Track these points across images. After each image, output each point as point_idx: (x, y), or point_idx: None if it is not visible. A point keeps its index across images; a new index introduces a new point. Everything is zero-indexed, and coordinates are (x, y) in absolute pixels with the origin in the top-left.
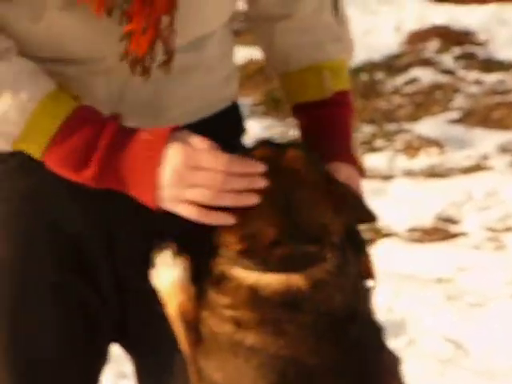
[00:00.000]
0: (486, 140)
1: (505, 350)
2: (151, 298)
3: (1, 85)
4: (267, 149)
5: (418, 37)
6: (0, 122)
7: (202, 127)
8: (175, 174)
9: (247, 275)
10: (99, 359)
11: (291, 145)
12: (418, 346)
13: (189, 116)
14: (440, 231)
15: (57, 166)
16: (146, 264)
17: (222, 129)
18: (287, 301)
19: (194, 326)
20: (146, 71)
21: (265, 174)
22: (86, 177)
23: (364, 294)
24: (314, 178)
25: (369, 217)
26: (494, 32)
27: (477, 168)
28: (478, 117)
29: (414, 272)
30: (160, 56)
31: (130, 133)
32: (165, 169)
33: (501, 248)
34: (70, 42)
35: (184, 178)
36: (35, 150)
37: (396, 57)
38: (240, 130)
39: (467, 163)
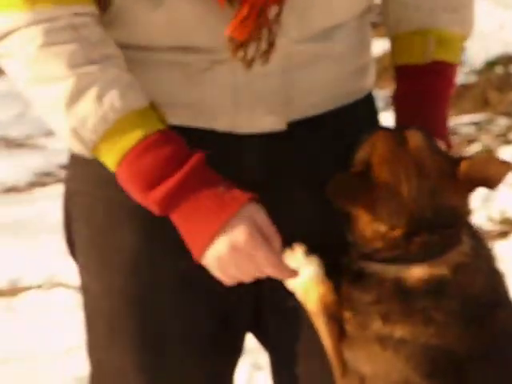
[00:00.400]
0: None
1: None
2: (286, 290)
3: (88, 89)
4: (387, 134)
5: None
6: (79, 126)
7: (334, 118)
8: (229, 251)
9: (388, 269)
10: (232, 349)
11: (408, 129)
12: None
13: (318, 106)
14: None
15: (126, 182)
16: None
17: (355, 120)
18: (432, 288)
19: (336, 318)
20: (247, 60)
21: (392, 164)
22: (152, 198)
23: (501, 276)
24: (440, 165)
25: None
26: None
27: None
28: None
29: None
30: (264, 46)
31: (210, 175)
32: (222, 239)
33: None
34: (190, 30)
35: (234, 259)
36: (109, 162)
37: None
38: (374, 122)
39: None
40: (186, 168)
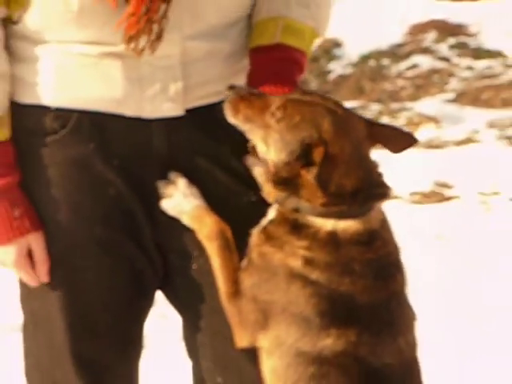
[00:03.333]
0: (476, 117)
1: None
2: (189, 256)
3: None
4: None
5: (419, 29)
6: None
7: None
8: (2, 262)
9: (326, 223)
10: (145, 303)
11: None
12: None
13: (211, 97)
14: (437, 195)
15: None
16: (185, 228)
17: None
18: (363, 239)
19: (230, 246)
20: (138, 50)
21: (333, 124)
22: None
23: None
24: (362, 131)
25: (413, 140)
26: (483, 25)
27: (468, 141)
28: (469, 97)
29: (414, 229)
30: (153, 37)
31: (14, 197)
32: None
33: (489, 210)
34: (96, 26)
35: (4, 266)
36: None
37: (399, 46)
38: None
39: (460, 137)
40: None
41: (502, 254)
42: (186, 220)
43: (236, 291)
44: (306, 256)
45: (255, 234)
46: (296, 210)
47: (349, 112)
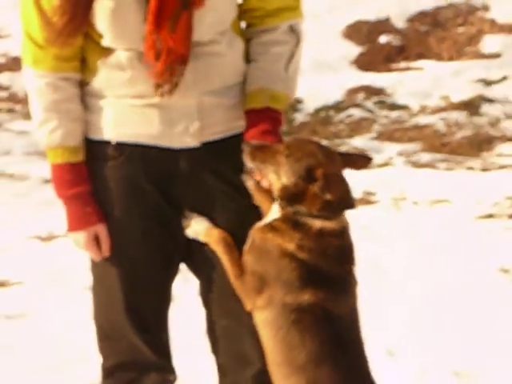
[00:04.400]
0: (391, 149)
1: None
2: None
3: (47, 123)
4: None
5: (353, 91)
6: (41, 133)
7: (228, 139)
8: (75, 244)
9: (315, 222)
10: (173, 270)
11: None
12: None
13: (218, 134)
14: (364, 200)
15: (51, 173)
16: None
17: (238, 142)
18: (337, 233)
19: (232, 246)
20: (161, 94)
21: (316, 158)
22: (57, 192)
23: None
24: (337, 156)
25: (369, 160)
26: (395, 88)
27: (386, 164)
28: (386, 136)
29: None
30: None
31: (85, 199)
32: (72, 234)
33: (399, 210)
34: (139, 84)
35: (78, 247)
36: (49, 160)
37: (340, 102)
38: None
39: (381, 162)
40: (74, 191)
41: (412, 243)
42: (201, 238)
43: (239, 272)
44: (299, 243)
45: (259, 227)
46: (296, 214)
47: (327, 147)
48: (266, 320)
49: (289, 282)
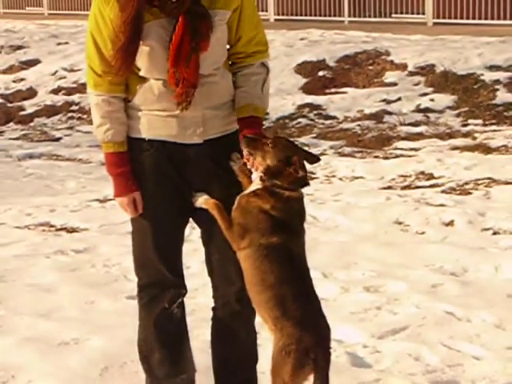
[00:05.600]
0: (325, 144)
1: None
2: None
3: (103, 126)
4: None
5: (301, 107)
6: (98, 136)
7: (224, 137)
8: (119, 205)
9: (286, 192)
10: (185, 221)
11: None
12: None
13: (216, 133)
14: None
15: (105, 160)
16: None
17: (233, 137)
18: (298, 199)
19: (222, 209)
20: (183, 108)
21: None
22: (109, 170)
23: None
24: (301, 149)
25: (318, 159)
26: (328, 105)
27: (321, 154)
28: (322, 136)
29: None
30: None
31: (128, 175)
32: (118, 199)
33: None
34: (163, 100)
35: (121, 207)
36: (103, 150)
37: (293, 114)
38: (238, 136)
39: (318, 152)
40: (120, 170)
41: (339, 204)
42: (203, 206)
43: (229, 225)
44: (273, 205)
45: (245, 194)
46: (273, 185)
47: (297, 144)
48: (246, 255)
49: (263, 230)
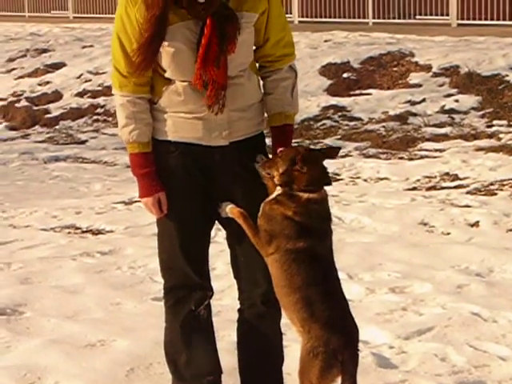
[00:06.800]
0: (350, 146)
1: None
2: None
3: (128, 126)
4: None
5: (326, 108)
6: (123, 137)
7: (249, 139)
8: (144, 206)
9: (304, 194)
10: (211, 225)
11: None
12: None
13: (242, 136)
14: None
15: (130, 160)
16: (230, 199)
17: (258, 140)
18: (319, 201)
19: (248, 217)
20: (217, 111)
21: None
22: (133, 172)
23: None
24: (318, 152)
25: (338, 150)
26: (353, 107)
27: (346, 156)
28: (346, 138)
29: None
30: (220, 106)
31: (152, 175)
32: (143, 200)
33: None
34: (191, 102)
35: (146, 208)
36: (128, 151)
37: (318, 116)
38: (263, 140)
39: (342, 154)
40: (145, 171)
41: (364, 205)
42: (229, 215)
43: (255, 232)
44: (294, 210)
45: (268, 201)
46: (290, 190)
47: (308, 148)
48: (274, 260)
49: (288, 235)
